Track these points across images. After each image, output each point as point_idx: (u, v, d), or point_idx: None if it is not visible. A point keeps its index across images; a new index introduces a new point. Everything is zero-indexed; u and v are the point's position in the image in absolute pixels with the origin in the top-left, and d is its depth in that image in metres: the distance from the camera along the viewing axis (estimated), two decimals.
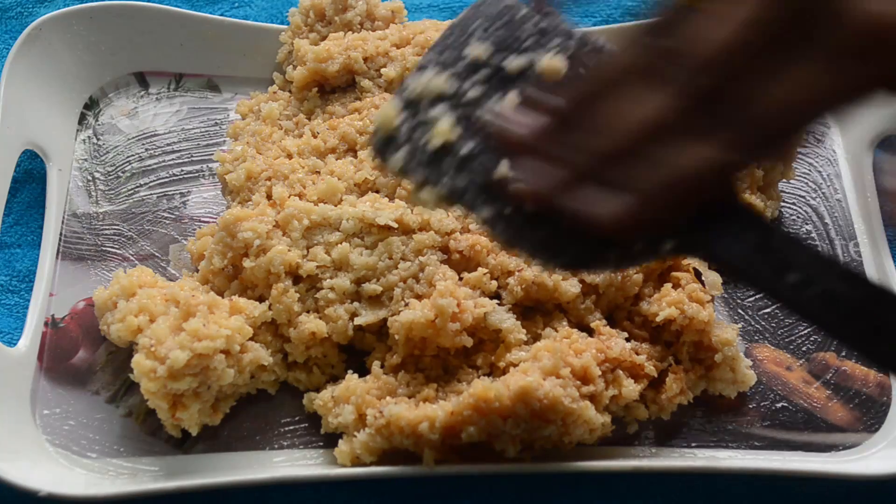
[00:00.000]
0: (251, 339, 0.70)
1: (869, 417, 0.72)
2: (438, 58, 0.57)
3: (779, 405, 0.73)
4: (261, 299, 0.73)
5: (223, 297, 0.72)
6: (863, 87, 0.47)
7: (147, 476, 0.68)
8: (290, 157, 0.81)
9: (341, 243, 0.73)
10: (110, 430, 0.70)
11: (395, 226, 0.73)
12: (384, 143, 0.56)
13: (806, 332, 0.77)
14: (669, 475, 0.70)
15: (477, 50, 0.56)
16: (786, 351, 0.76)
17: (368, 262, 0.72)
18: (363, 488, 0.69)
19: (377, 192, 0.78)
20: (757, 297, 0.79)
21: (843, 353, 0.76)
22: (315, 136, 0.83)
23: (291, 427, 0.71)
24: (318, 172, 0.80)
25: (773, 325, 0.77)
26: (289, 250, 0.72)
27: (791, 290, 0.49)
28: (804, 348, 0.76)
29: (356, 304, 0.72)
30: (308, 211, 0.74)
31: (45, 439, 0.69)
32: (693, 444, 0.71)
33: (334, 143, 0.82)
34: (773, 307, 0.78)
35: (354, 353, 0.74)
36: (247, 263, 0.72)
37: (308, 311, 0.72)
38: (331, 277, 0.72)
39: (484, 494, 0.70)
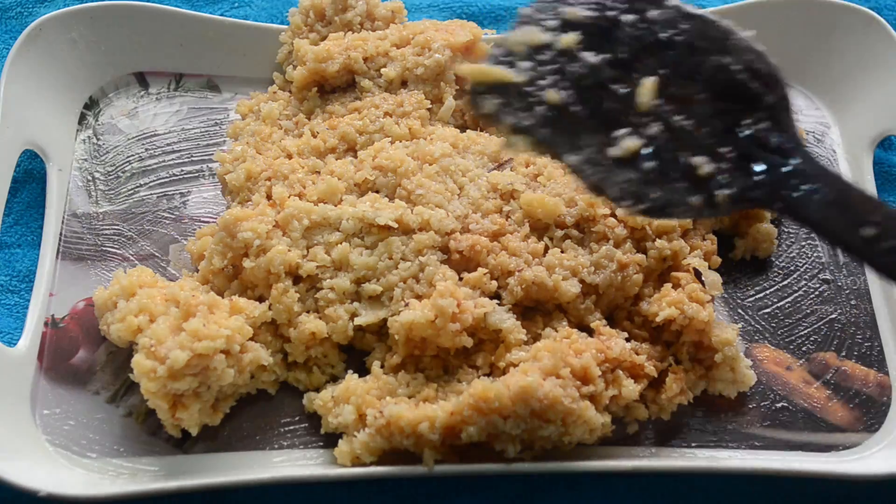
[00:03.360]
0: (251, 339, 0.70)
1: (869, 417, 0.72)
2: (534, 16, 0.61)
3: (779, 405, 0.73)
4: (261, 299, 0.73)
5: (223, 297, 0.72)
6: None
7: (147, 476, 0.68)
8: (289, 157, 0.81)
9: (341, 243, 0.73)
10: (110, 430, 0.70)
11: (395, 226, 0.73)
12: (479, 92, 0.60)
13: (806, 332, 0.77)
14: (669, 475, 0.70)
15: (571, 11, 0.60)
16: (786, 351, 0.76)
17: (368, 262, 0.72)
18: (363, 488, 0.69)
19: (377, 191, 0.78)
20: (757, 296, 0.79)
21: (843, 353, 0.76)
22: (315, 136, 0.83)
23: (291, 427, 0.71)
24: (318, 172, 0.80)
25: (773, 325, 0.77)
26: (289, 250, 0.72)
27: (865, 244, 0.53)
28: (804, 348, 0.76)
29: (356, 304, 0.72)
30: (308, 211, 0.74)
31: (46, 439, 0.69)
32: (693, 444, 0.71)
33: (334, 143, 0.81)
34: (774, 307, 0.78)
35: (355, 353, 0.74)
36: (247, 263, 0.72)
37: (308, 312, 0.72)
38: (331, 277, 0.72)
39: (484, 494, 0.70)
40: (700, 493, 0.68)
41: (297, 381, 0.73)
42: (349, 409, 0.67)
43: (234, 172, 0.79)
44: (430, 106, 0.84)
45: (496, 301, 0.71)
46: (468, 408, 0.64)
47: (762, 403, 0.73)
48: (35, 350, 0.74)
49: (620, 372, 0.69)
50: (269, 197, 0.77)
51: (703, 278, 0.73)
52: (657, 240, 0.75)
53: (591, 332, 0.72)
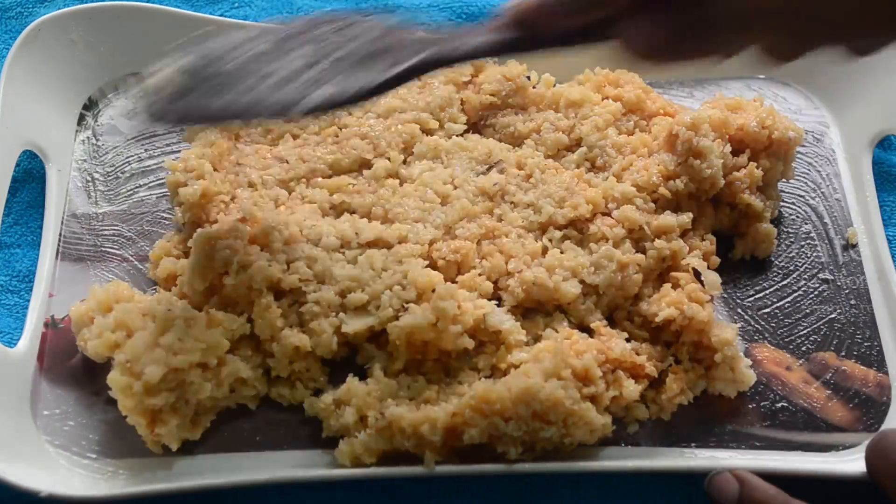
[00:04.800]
0: (231, 352, 0.69)
1: (869, 417, 0.72)
2: None
3: (779, 405, 0.73)
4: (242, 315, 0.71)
5: (201, 312, 0.71)
6: None
7: (147, 476, 0.68)
8: (250, 185, 0.78)
9: (322, 257, 0.72)
10: (110, 430, 0.70)
11: (374, 240, 0.74)
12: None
13: (806, 332, 0.77)
14: (669, 475, 0.70)
15: None
16: (786, 351, 0.76)
17: (352, 273, 0.72)
18: (362, 489, 0.69)
19: (353, 212, 0.78)
20: (757, 296, 0.79)
21: (843, 353, 0.76)
22: (281, 163, 0.80)
23: (292, 428, 0.71)
24: (287, 199, 0.78)
25: (773, 325, 0.77)
26: (269, 265, 0.71)
27: None
28: (804, 348, 0.76)
29: (341, 315, 0.71)
30: (286, 222, 0.73)
31: (46, 440, 0.69)
32: (693, 444, 0.71)
33: (301, 173, 0.79)
34: (773, 307, 0.78)
35: (337, 367, 0.73)
36: (228, 281, 0.70)
37: (291, 326, 0.71)
38: (314, 291, 0.71)
39: (484, 494, 0.70)
40: (700, 493, 0.68)
41: (280, 397, 0.71)
42: (350, 411, 0.67)
43: (189, 188, 0.76)
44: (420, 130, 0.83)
45: (495, 302, 0.71)
46: (469, 409, 0.65)
47: (762, 403, 0.73)
48: (35, 351, 0.74)
49: (621, 373, 0.70)
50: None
51: (702, 278, 0.73)
52: (656, 240, 0.75)
53: (591, 332, 0.72)
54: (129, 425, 0.70)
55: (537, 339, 0.71)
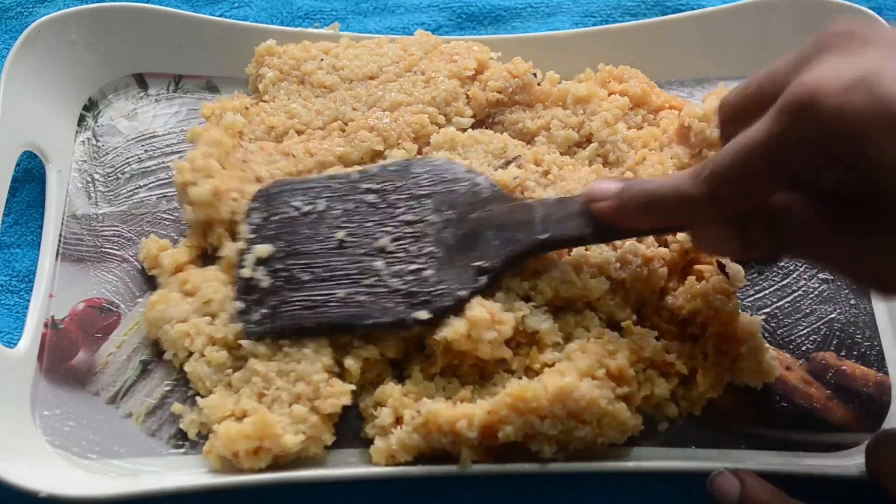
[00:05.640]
0: None
1: (869, 417, 0.72)
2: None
3: (779, 405, 0.73)
4: None
5: None
6: None
7: (147, 476, 0.68)
8: (259, 180, 0.78)
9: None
10: (110, 430, 0.70)
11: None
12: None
13: (806, 331, 0.77)
14: (670, 475, 0.70)
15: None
16: (786, 351, 0.76)
17: None
18: (363, 488, 0.69)
19: None
20: (757, 296, 0.79)
21: (843, 353, 0.76)
22: (287, 156, 0.80)
23: None
24: None
25: (773, 325, 0.77)
26: None
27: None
28: (804, 348, 0.76)
29: None
30: None
31: (46, 440, 0.69)
32: (693, 445, 0.71)
33: (309, 166, 0.79)
34: (773, 307, 0.78)
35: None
36: None
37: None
38: None
39: (483, 494, 0.70)
40: (700, 493, 0.68)
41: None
42: (386, 412, 0.67)
43: (199, 186, 0.75)
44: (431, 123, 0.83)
45: (533, 304, 0.71)
46: (506, 407, 0.64)
47: (762, 403, 0.73)
48: (35, 351, 0.74)
49: (652, 371, 0.70)
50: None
51: (726, 270, 0.73)
52: (677, 233, 0.75)
53: (621, 330, 0.72)
54: (128, 425, 0.71)
55: (569, 337, 0.71)
